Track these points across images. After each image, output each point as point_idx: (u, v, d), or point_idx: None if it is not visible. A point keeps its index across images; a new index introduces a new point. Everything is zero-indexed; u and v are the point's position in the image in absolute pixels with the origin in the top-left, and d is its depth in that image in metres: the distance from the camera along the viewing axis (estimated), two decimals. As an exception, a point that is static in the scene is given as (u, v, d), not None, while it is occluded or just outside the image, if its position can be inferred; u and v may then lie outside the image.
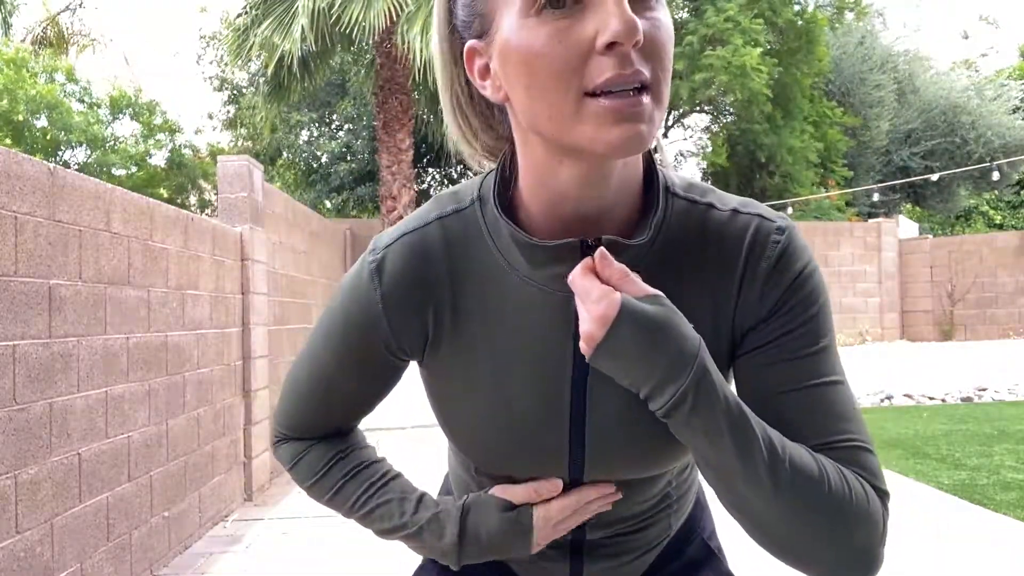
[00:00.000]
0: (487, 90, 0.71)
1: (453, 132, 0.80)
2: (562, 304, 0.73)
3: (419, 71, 8.76)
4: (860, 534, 0.67)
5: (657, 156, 0.78)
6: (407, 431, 5.63)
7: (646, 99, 0.62)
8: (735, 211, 0.76)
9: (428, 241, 0.76)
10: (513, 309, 0.75)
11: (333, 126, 16.90)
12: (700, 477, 0.99)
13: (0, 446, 2.21)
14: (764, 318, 0.73)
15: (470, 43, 0.70)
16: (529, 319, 0.75)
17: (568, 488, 0.82)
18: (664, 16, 0.64)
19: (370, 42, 9.95)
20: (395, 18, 8.75)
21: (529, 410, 0.76)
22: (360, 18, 8.64)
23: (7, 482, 2.24)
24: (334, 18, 8.84)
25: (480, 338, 0.76)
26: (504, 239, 0.73)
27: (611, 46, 0.60)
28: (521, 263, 0.73)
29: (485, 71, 0.70)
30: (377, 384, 0.84)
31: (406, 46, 8.79)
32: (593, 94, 0.61)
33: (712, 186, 0.79)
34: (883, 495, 0.71)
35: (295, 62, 9.10)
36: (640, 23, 0.60)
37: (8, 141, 13.13)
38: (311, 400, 0.86)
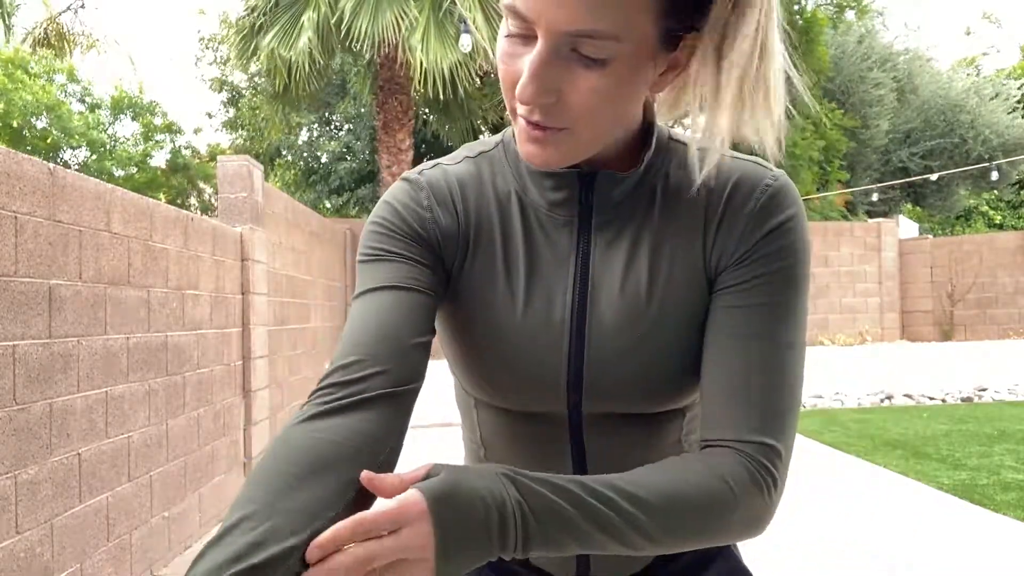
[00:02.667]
0: None
1: None
2: (565, 229, 0.80)
3: (419, 81, 8.76)
4: (735, 527, 0.71)
5: (678, 128, 0.83)
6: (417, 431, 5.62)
7: (545, 133, 0.70)
8: (732, 157, 0.80)
9: (457, 172, 0.85)
10: (525, 236, 0.82)
11: (333, 126, 16.90)
12: None
13: (0, 446, 2.21)
14: (737, 262, 0.76)
15: None
16: (537, 245, 0.81)
17: (574, 433, 0.82)
18: (597, 80, 0.66)
19: (371, 50, 9.96)
20: (399, 29, 8.76)
21: (531, 332, 0.80)
22: (368, 31, 8.65)
23: (7, 482, 2.24)
24: (343, 32, 8.84)
25: (498, 260, 0.82)
26: (522, 173, 0.82)
27: None
28: (534, 193, 0.81)
29: None
30: (425, 311, 0.77)
31: (409, 54, 8.80)
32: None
33: None
34: (767, 474, 0.71)
35: (299, 72, 9.11)
36: (544, 89, 0.66)
37: (4, 143, 13.13)
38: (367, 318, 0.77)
